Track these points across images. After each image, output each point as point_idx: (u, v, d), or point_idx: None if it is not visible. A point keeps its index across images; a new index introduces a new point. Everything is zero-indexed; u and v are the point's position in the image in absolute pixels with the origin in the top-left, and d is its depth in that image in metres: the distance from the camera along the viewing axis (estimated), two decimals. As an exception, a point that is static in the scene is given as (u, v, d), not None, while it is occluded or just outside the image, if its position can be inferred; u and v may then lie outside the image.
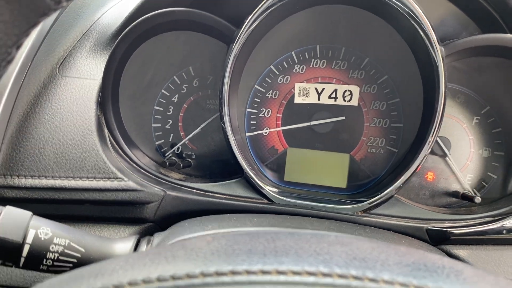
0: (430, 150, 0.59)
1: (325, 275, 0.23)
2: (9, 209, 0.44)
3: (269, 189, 0.61)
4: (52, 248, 0.44)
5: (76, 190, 0.55)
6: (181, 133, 0.72)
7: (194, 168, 0.70)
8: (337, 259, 0.24)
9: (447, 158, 0.66)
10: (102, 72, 0.60)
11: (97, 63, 0.62)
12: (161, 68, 0.70)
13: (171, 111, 0.72)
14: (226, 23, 0.60)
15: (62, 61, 0.61)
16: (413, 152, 0.62)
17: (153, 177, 0.62)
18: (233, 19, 0.61)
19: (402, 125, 0.66)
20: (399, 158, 0.66)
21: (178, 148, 0.71)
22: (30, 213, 0.44)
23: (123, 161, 0.60)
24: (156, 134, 0.72)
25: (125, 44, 0.61)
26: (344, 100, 0.65)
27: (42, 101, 0.59)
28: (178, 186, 0.62)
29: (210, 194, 0.62)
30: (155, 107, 0.72)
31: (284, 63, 0.69)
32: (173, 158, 0.69)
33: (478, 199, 0.60)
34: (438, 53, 0.53)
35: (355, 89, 0.65)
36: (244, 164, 0.61)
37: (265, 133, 0.69)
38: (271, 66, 0.69)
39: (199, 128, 0.71)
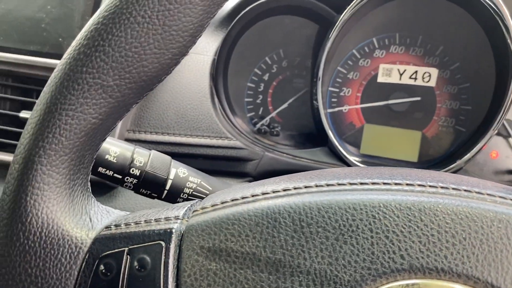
0: (496, 131, 0.67)
1: (443, 188, 0.31)
2: (155, 152, 0.55)
3: (352, 158, 0.71)
4: (188, 184, 0.54)
5: (193, 146, 0.67)
6: (270, 107, 0.82)
7: (280, 138, 0.81)
8: (450, 179, 0.33)
9: (510, 138, 0.73)
10: (215, 49, 0.71)
11: (209, 41, 0.73)
12: (257, 49, 0.80)
13: (262, 88, 0.82)
14: (328, 8, 0.70)
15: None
16: (480, 132, 0.70)
17: (252, 140, 0.72)
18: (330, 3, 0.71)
19: (471, 108, 0.74)
20: (467, 136, 0.74)
21: (267, 120, 0.82)
22: (169, 157, 0.55)
23: (229, 126, 0.71)
24: (248, 107, 0.82)
25: (238, 26, 0.71)
26: (423, 81, 0.73)
27: (164, 72, 0.70)
28: (272, 150, 0.72)
29: (298, 158, 0.72)
30: (248, 84, 0.82)
31: (366, 48, 0.77)
32: (265, 127, 0.80)
33: (539, 174, 0.67)
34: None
35: (434, 71, 0.73)
36: (331, 134, 0.71)
37: (345, 110, 0.79)
38: (354, 50, 0.78)
39: (287, 103, 0.81)
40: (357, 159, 0.72)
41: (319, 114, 0.71)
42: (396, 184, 0.31)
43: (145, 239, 0.33)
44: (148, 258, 0.33)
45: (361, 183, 0.32)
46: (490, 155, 0.75)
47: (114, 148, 0.52)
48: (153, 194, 0.54)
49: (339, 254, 0.29)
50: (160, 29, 0.33)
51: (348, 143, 0.79)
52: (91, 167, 0.40)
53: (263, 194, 0.33)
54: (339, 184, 0.32)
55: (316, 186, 0.33)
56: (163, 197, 0.54)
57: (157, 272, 0.32)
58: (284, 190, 0.33)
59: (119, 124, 0.66)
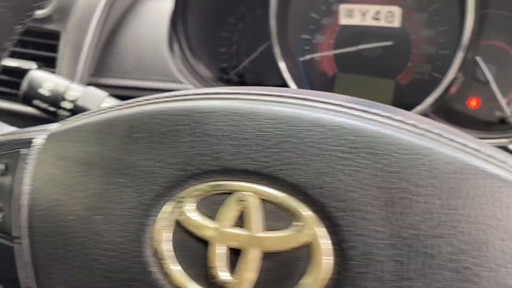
0: (458, 68, 0.62)
1: (279, 96, 0.29)
2: (91, 88, 0.56)
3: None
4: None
5: (147, 90, 0.68)
6: (243, 57, 0.81)
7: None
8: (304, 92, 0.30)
9: (491, 85, 0.67)
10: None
11: (170, -12, 0.74)
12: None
13: (236, 38, 0.81)
14: None
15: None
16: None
17: (209, 84, 0.72)
18: None
19: (448, 52, 0.68)
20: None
21: (239, 70, 0.81)
22: (106, 93, 0.56)
23: (188, 71, 0.71)
24: (222, 57, 0.82)
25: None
26: (387, 22, 0.69)
27: (127, 19, 0.72)
28: (233, 96, 0.72)
29: (259, 105, 0.71)
30: (223, 34, 0.82)
31: (338, -10, 0.74)
32: (235, 76, 0.79)
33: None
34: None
35: (397, 10, 0.68)
36: (291, 84, 0.69)
37: (317, 58, 0.76)
38: (326, -5, 0.75)
39: (258, 52, 0.79)
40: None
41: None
42: (235, 93, 0.30)
43: (11, 147, 0.36)
44: (11, 163, 0.35)
45: (207, 93, 0.31)
46: (468, 103, 0.69)
47: (48, 82, 0.54)
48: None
49: (161, 157, 0.29)
50: None
51: (320, 93, 0.76)
52: None
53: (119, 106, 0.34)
54: (195, 94, 0.32)
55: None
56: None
57: (16, 175, 0.35)
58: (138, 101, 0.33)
59: (80, 69, 0.69)
